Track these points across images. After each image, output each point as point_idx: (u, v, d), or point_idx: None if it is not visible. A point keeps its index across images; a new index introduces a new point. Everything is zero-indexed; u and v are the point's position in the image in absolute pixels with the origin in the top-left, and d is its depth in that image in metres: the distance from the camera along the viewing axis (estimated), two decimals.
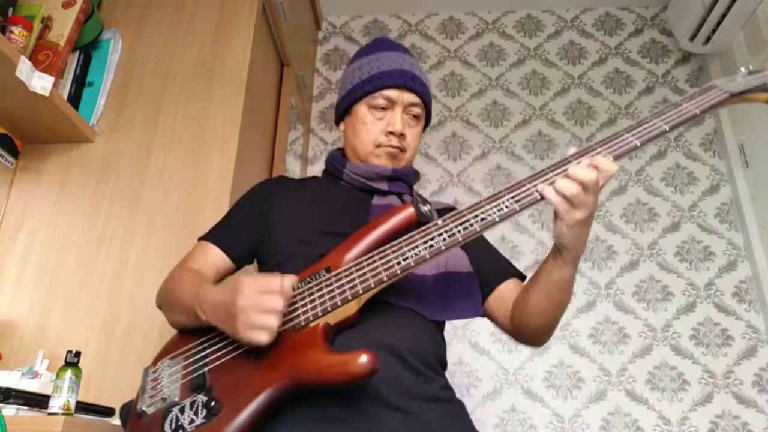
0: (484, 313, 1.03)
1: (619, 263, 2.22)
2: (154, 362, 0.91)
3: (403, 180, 1.07)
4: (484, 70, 2.62)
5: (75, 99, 1.60)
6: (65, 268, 1.46)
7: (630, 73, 2.55)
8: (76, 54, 1.62)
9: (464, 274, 0.96)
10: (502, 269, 1.05)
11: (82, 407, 1.06)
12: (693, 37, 2.31)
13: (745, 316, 2.10)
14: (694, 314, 2.12)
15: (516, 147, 2.45)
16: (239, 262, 1.05)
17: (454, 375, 2.09)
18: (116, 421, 1.15)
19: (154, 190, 1.53)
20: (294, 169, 2.33)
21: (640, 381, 2.05)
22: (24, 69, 1.29)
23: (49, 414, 0.95)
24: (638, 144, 0.81)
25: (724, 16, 2.17)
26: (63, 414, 0.95)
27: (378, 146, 1.05)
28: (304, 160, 2.46)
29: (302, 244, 0.95)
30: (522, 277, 1.05)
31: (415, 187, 1.13)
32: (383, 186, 1.04)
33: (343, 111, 1.13)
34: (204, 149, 1.56)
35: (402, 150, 1.06)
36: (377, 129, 1.05)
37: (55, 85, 1.40)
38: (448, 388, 0.91)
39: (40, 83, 1.34)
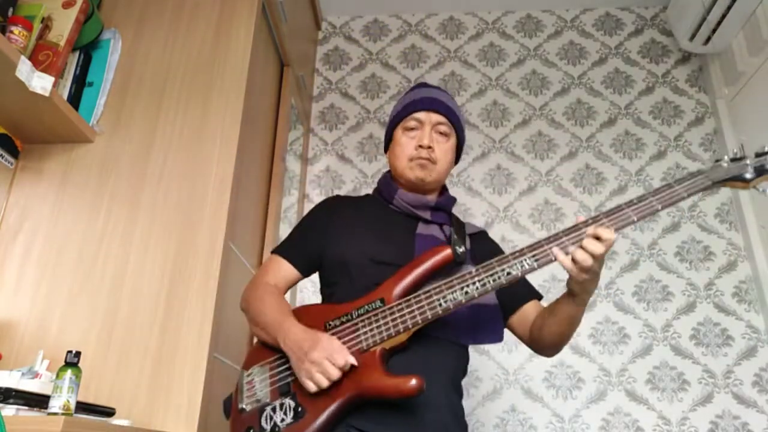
0: (509, 329, 1.23)
1: (619, 263, 2.22)
2: (246, 366, 1.13)
3: (444, 210, 1.25)
4: (484, 70, 2.62)
5: (75, 99, 1.60)
6: (65, 268, 1.46)
7: (630, 73, 2.55)
8: (76, 54, 1.62)
9: (491, 306, 1.15)
10: (524, 294, 1.23)
11: (82, 407, 1.06)
12: (693, 37, 2.31)
13: (745, 316, 2.10)
14: (694, 314, 2.12)
15: (516, 147, 2.46)
16: (306, 273, 1.26)
17: None
18: (116, 421, 1.15)
19: (154, 190, 1.52)
20: (294, 168, 2.33)
21: (640, 381, 2.05)
22: (24, 69, 1.29)
23: (49, 414, 0.95)
24: (636, 219, 1.00)
25: (724, 16, 2.16)
26: (63, 414, 0.95)
27: (411, 160, 1.23)
28: (303, 160, 2.46)
29: (360, 268, 1.15)
30: (540, 297, 1.25)
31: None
32: (427, 215, 1.22)
33: (388, 140, 1.33)
34: (204, 149, 1.56)
35: (432, 161, 1.23)
36: (410, 146, 1.24)
37: (55, 85, 1.40)
38: (464, 413, 1.13)
39: (40, 83, 1.34)
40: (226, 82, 1.63)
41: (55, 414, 0.95)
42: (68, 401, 0.97)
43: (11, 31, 1.37)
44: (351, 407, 0.99)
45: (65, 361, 1.01)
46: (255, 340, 1.21)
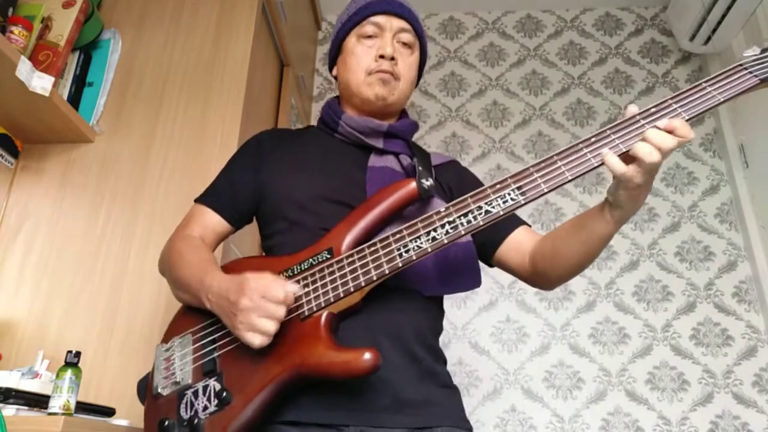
0: (496, 263, 1.03)
1: (619, 263, 2.22)
2: (165, 339, 0.93)
3: (400, 137, 1.04)
4: (484, 70, 2.62)
5: (75, 99, 1.60)
6: (65, 268, 1.46)
7: (630, 73, 2.55)
8: (76, 54, 1.62)
9: (462, 243, 0.92)
10: (511, 219, 1.03)
11: (82, 407, 1.06)
12: (693, 37, 2.31)
13: (745, 316, 2.10)
14: (694, 314, 2.12)
15: (516, 147, 2.45)
16: (238, 224, 1.06)
17: (454, 375, 2.08)
18: (116, 421, 1.15)
19: (154, 190, 1.53)
20: None
21: (640, 381, 2.05)
22: (24, 69, 1.29)
23: (49, 414, 0.95)
24: (686, 117, 0.75)
25: (724, 16, 2.16)
26: (63, 414, 0.95)
27: (369, 74, 1.03)
28: None
29: (302, 211, 0.95)
30: (528, 224, 1.06)
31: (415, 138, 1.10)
32: (379, 143, 1.01)
33: (335, 52, 1.12)
34: (204, 149, 1.56)
35: (394, 76, 1.03)
36: (368, 57, 1.03)
37: (55, 85, 1.40)
38: (449, 375, 0.95)
39: (40, 83, 1.34)
40: (226, 82, 1.63)
41: (55, 414, 0.95)
42: (68, 401, 0.97)
43: (11, 31, 1.37)
44: (289, 390, 0.80)
45: (65, 361, 1.01)
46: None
